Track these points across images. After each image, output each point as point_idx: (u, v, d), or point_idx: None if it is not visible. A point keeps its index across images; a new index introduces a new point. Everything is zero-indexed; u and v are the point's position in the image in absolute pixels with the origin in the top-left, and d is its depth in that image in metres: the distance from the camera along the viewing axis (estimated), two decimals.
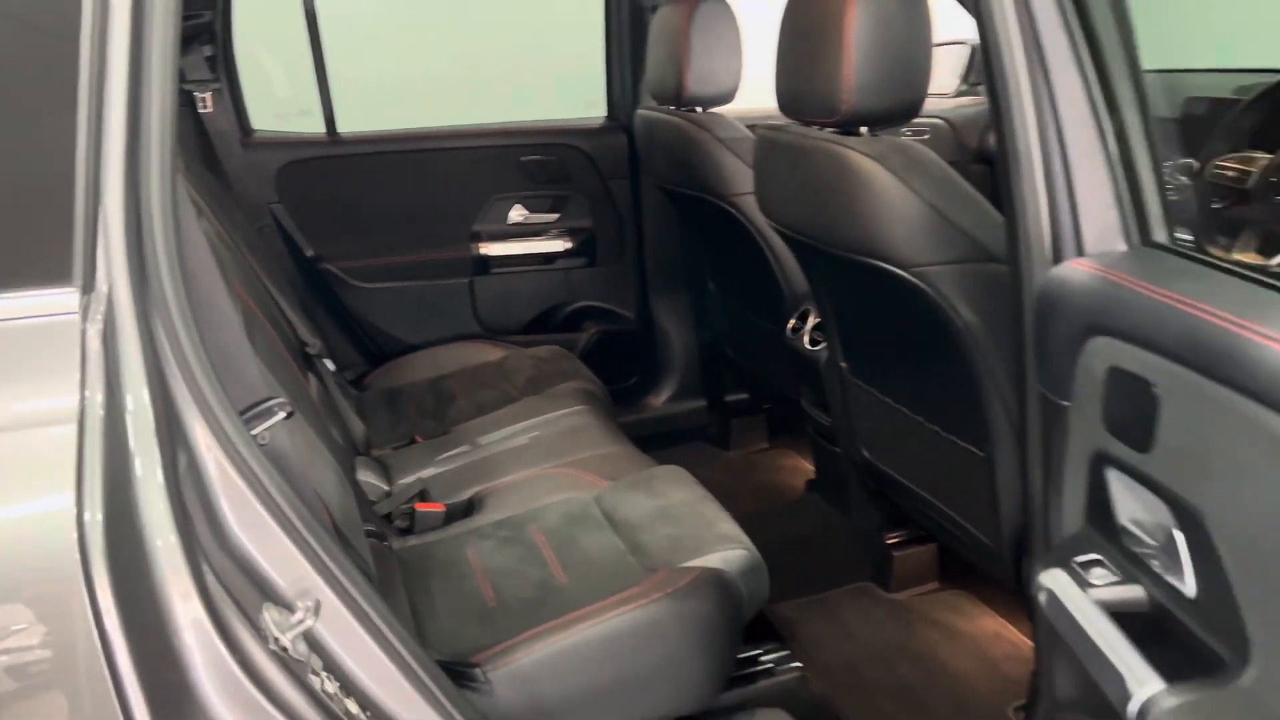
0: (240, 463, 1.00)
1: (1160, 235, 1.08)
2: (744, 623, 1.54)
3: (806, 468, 2.74)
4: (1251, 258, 2.05)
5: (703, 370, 2.98)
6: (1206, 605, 0.81)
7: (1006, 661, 1.89)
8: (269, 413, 1.13)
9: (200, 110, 2.41)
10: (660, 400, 2.99)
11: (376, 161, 2.70)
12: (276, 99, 2.90)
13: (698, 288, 2.86)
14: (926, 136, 3.11)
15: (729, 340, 2.80)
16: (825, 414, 2.22)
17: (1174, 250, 1.02)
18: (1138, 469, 0.90)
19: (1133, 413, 0.89)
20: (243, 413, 1.11)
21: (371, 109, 2.85)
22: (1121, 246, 1.05)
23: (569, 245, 2.83)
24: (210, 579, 0.97)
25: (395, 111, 2.84)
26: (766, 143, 1.75)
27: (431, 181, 2.74)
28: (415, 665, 1.13)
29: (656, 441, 2.63)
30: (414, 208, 2.73)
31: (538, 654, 1.35)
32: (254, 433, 1.10)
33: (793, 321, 2.25)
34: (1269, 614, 0.74)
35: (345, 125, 2.71)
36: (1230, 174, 2.13)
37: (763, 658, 1.71)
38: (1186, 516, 0.82)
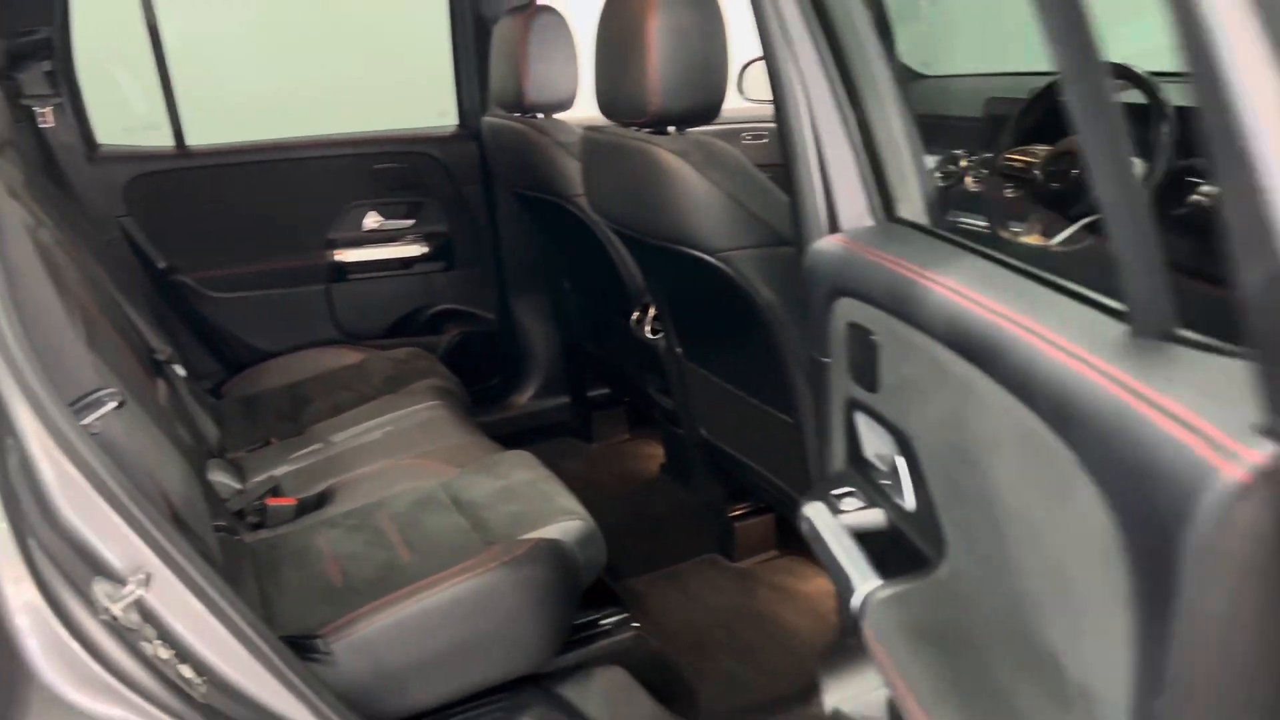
0: (68, 447, 1.06)
1: (906, 212, 1.23)
2: (581, 588, 1.66)
3: (663, 454, 2.88)
4: (1036, 239, 2.27)
5: (565, 367, 3.09)
6: (920, 516, 0.96)
7: (836, 615, 2.05)
8: (99, 403, 1.19)
9: (41, 125, 2.41)
10: (525, 398, 3.09)
11: (227, 173, 2.73)
12: (129, 114, 2.90)
13: (555, 287, 2.97)
14: (765, 140, 3.30)
15: (587, 336, 2.92)
16: (668, 398, 2.36)
17: (910, 224, 1.18)
18: (872, 408, 1.04)
19: (864, 359, 1.04)
20: (73, 403, 1.17)
21: (228, 123, 2.89)
22: (869, 222, 1.20)
23: (425, 250, 2.91)
24: (40, 558, 1.03)
25: (253, 124, 2.88)
26: (590, 143, 1.88)
27: (284, 191, 2.78)
28: (253, 635, 1.21)
29: (522, 438, 2.73)
30: (268, 217, 2.77)
31: (378, 624, 1.43)
32: (84, 422, 1.17)
33: (636, 313, 2.38)
34: (953, 515, 0.89)
35: (205, 139, 2.74)
36: (1017, 165, 2.36)
37: (602, 621, 1.82)
38: (903, 442, 0.97)
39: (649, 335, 2.30)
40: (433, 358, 2.56)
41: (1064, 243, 2.17)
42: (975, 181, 2.49)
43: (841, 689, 1.17)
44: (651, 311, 2.33)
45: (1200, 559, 0.54)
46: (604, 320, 2.66)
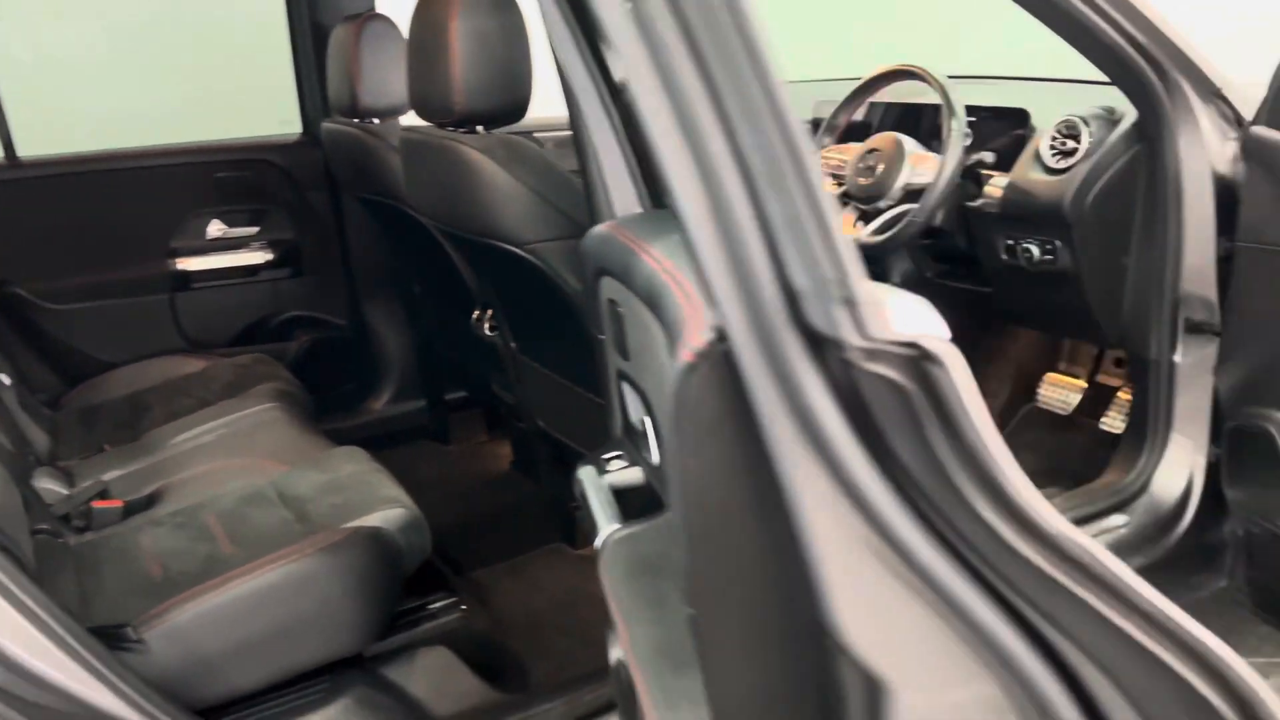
0: None
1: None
2: (404, 574, 1.71)
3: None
4: (848, 230, 2.42)
5: (421, 370, 3.13)
6: (661, 467, 1.05)
7: None
8: None
9: None
10: (381, 403, 3.11)
11: (63, 184, 2.70)
12: None
13: (406, 290, 3.01)
14: None
15: (439, 338, 2.96)
16: (511, 395, 2.43)
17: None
18: (628, 375, 1.14)
19: (618, 330, 1.13)
20: None
21: (76, 135, 2.86)
22: (639, 209, 1.30)
23: (271, 257, 2.92)
24: None
25: (103, 136, 2.85)
26: (406, 144, 1.94)
27: (123, 201, 2.76)
28: (55, 625, 1.24)
29: (380, 443, 2.75)
30: (106, 228, 2.74)
31: (191, 612, 1.46)
32: None
33: (477, 312, 2.44)
34: (672, 459, 0.99)
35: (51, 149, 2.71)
36: (833, 163, 2.51)
37: (430, 606, 1.88)
38: (646, 401, 1.07)
39: (488, 333, 2.37)
40: (276, 363, 2.58)
41: (874, 231, 2.33)
42: None
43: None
44: (491, 310, 2.40)
45: (673, 426, 0.65)
46: (450, 321, 2.72)
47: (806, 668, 0.61)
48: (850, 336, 0.58)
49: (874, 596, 0.57)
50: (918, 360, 0.58)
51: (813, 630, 0.57)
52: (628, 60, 0.62)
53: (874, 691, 0.56)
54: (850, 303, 0.59)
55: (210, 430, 2.15)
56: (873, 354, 0.56)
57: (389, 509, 1.71)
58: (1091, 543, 0.58)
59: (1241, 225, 1.88)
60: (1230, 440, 1.96)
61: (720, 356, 0.61)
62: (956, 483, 0.56)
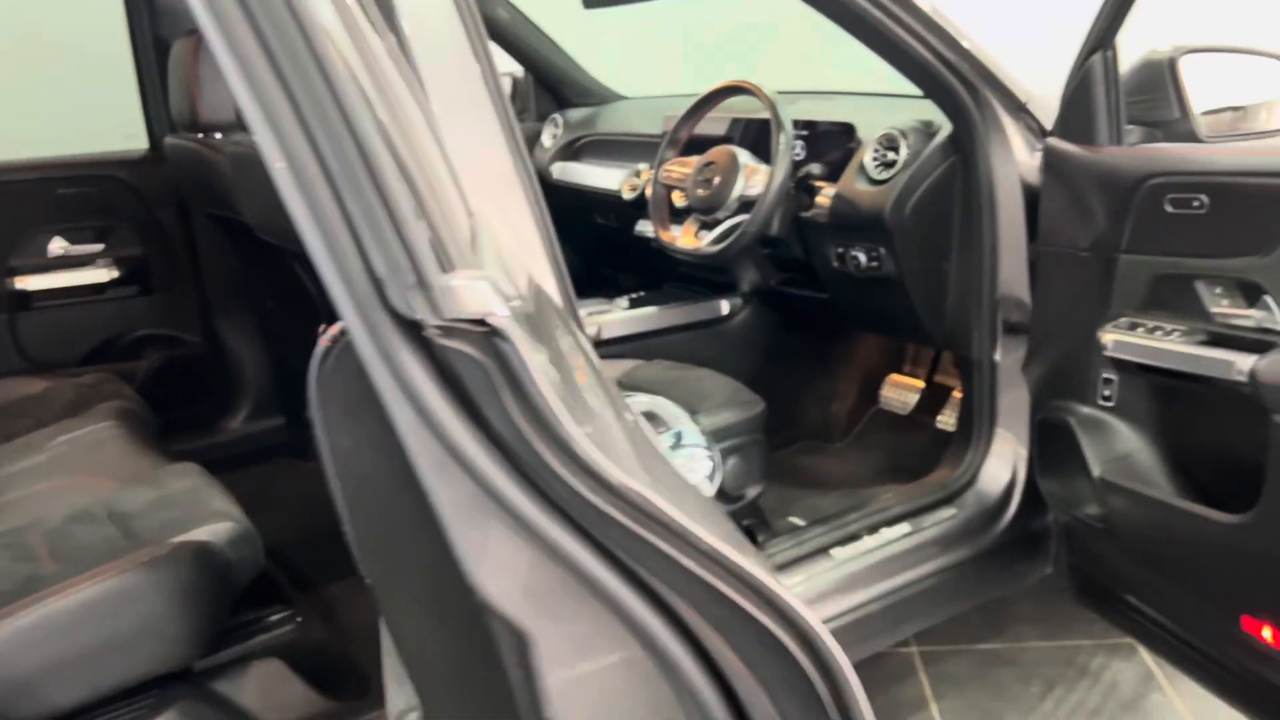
0: None
1: None
2: (235, 587, 1.70)
3: None
4: (690, 240, 2.50)
5: (278, 387, 3.09)
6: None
7: None
8: None
9: None
10: (238, 421, 3.07)
11: None
12: None
13: (260, 306, 2.98)
14: None
15: (296, 353, 2.93)
16: None
17: None
18: None
19: None
20: None
21: None
22: None
23: (118, 274, 2.86)
24: None
25: None
26: (235, 157, 1.94)
27: None
28: None
29: (238, 462, 2.71)
30: None
31: (4, 630, 1.44)
32: None
33: (323, 325, 2.43)
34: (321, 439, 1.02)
35: None
36: (675, 174, 2.58)
37: (268, 619, 1.87)
38: None
39: None
40: (120, 381, 2.53)
41: (713, 241, 2.41)
42: (652, 190, 2.71)
43: None
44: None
45: (316, 406, 0.70)
46: (304, 335, 2.69)
47: (477, 625, 0.65)
48: (427, 316, 0.66)
49: (500, 553, 0.62)
50: (488, 336, 0.65)
51: (468, 588, 0.62)
52: (225, 70, 0.67)
53: (521, 643, 0.61)
54: (423, 286, 0.66)
55: (45, 451, 2.10)
56: (449, 332, 0.63)
57: (217, 523, 1.70)
58: (649, 490, 0.65)
59: (1041, 231, 2.02)
60: (1038, 433, 2.09)
61: (347, 342, 0.67)
62: (534, 444, 0.62)
